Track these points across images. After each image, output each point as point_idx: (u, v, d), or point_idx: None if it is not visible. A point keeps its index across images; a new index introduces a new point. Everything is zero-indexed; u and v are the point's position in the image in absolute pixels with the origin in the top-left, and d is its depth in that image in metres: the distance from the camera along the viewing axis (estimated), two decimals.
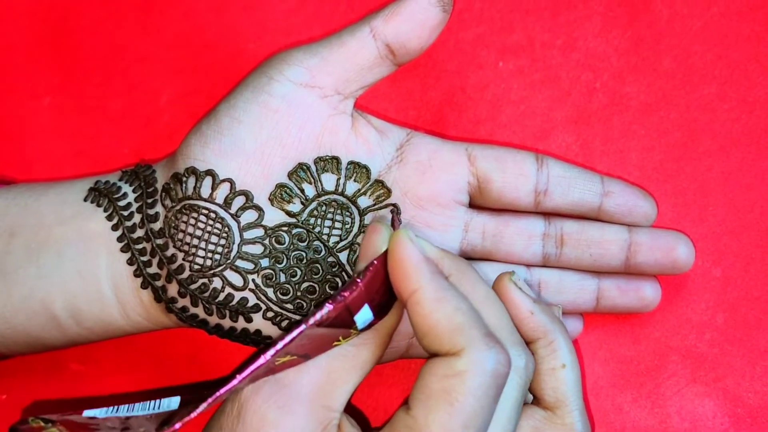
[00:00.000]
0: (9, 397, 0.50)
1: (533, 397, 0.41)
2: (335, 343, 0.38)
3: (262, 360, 0.35)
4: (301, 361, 0.37)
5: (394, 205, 0.44)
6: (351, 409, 0.42)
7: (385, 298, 0.38)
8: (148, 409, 0.39)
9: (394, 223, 0.42)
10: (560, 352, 0.40)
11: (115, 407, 0.39)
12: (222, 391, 0.36)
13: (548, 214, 0.46)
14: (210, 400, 0.36)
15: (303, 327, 0.35)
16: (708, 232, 0.48)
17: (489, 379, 0.34)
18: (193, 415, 0.36)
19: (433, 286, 0.36)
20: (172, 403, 0.39)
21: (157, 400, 0.39)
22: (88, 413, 0.38)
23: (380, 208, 0.44)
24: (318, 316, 0.35)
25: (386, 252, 0.37)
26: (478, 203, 0.46)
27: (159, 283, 0.43)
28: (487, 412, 0.35)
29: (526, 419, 0.40)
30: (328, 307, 0.35)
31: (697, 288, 0.48)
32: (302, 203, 0.43)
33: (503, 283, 0.41)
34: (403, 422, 0.35)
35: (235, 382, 0.36)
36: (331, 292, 0.43)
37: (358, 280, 0.36)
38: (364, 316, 0.37)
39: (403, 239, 0.37)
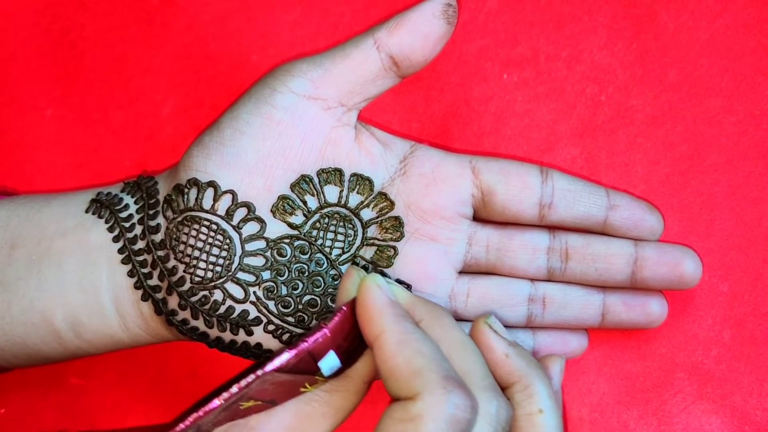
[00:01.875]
0: (8, 411, 0.50)
1: None
2: (302, 389, 0.38)
3: (215, 403, 0.35)
4: (268, 406, 0.37)
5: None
6: None
7: (355, 344, 0.38)
8: None
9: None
10: (537, 396, 0.39)
11: None
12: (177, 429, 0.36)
13: (553, 228, 0.46)
14: None
15: (259, 372, 0.35)
16: (715, 246, 0.48)
17: (444, 424, 0.34)
18: None
19: (396, 330, 0.36)
20: None
21: None
22: None
23: (383, 221, 0.44)
24: (277, 362, 0.35)
25: (355, 298, 0.38)
26: (482, 216, 0.45)
27: (159, 296, 0.43)
28: None
29: None
30: (288, 354, 0.35)
31: (704, 303, 0.48)
32: (305, 215, 0.43)
33: (478, 327, 0.41)
34: None
35: (188, 422, 0.35)
36: (332, 305, 0.43)
37: (324, 327, 0.36)
38: (330, 362, 0.37)
39: (371, 284, 0.37)
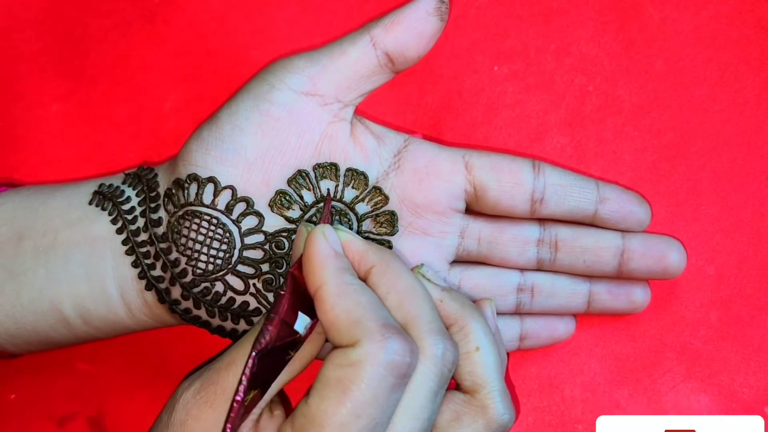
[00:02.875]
0: (17, 396, 0.51)
1: (455, 383, 0.41)
2: (287, 357, 0.38)
3: (237, 402, 0.35)
4: (260, 393, 0.38)
5: (328, 191, 0.44)
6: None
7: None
8: None
9: (326, 206, 0.42)
10: (473, 335, 0.40)
11: None
12: None
13: (543, 220, 0.46)
14: None
15: (254, 354, 0.35)
16: (701, 230, 0.49)
17: (383, 369, 0.34)
18: None
19: (335, 282, 0.37)
20: None
21: None
22: None
23: (378, 215, 0.44)
24: (262, 340, 0.35)
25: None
26: (474, 209, 0.46)
27: (163, 286, 0.43)
28: (383, 402, 0.35)
29: (447, 404, 0.39)
30: (267, 329, 0.36)
31: (691, 286, 0.49)
32: (301, 209, 0.43)
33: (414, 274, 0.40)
34: (300, 411, 0.35)
35: None
36: None
37: (282, 292, 0.37)
38: (303, 322, 0.37)
39: (315, 236, 0.38)
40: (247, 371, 0.35)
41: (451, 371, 0.38)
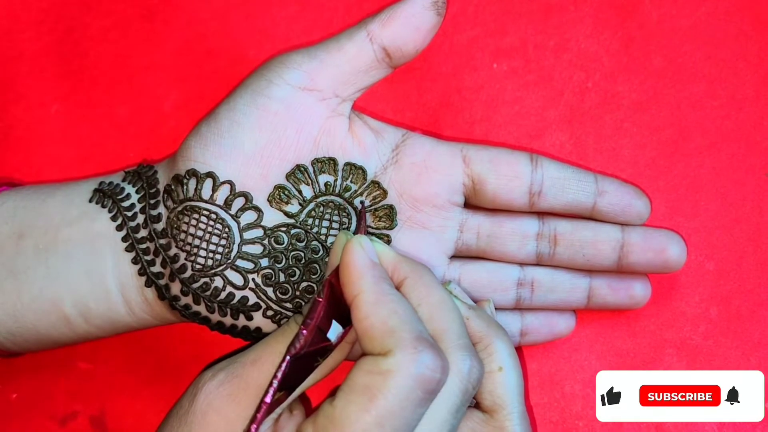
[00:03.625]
0: (19, 395, 0.51)
1: (475, 401, 0.41)
2: (315, 363, 0.38)
3: (265, 403, 0.36)
4: (286, 395, 0.38)
5: (362, 203, 0.44)
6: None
7: (349, 307, 0.38)
8: None
9: (361, 218, 0.43)
10: (496, 354, 0.40)
11: None
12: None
13: (542, 213, 0.46)
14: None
15: (288, 358, 0.36)
16: (700, 226, 0.49)
17: (412, 381, 0.34)
18: None
19: (373, 290, 0.37)
20: None
21: None
22: None
23: (377, 209, 0.44)
24: (297, 344, 0.36)
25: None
26: (473, 203, 0.46)
27: (162, 282, 0.43)
28: (408, 415, 0.35)
29: (465, 421, 0.40)
30: (302, 334, 0.36)
31: (691, 282, 0.49)
32: (300, 204, 0.44)
33: None
34: (324, 412, 0.35)
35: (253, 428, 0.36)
36: None
37: (319, 299, 0.37)
38: (335, 330, 0.38)
39: (353, 246, 0.38)
40: (279, 374, 0.36)
41: (476, 388, 0.38)
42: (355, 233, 0.41)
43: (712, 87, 0.50)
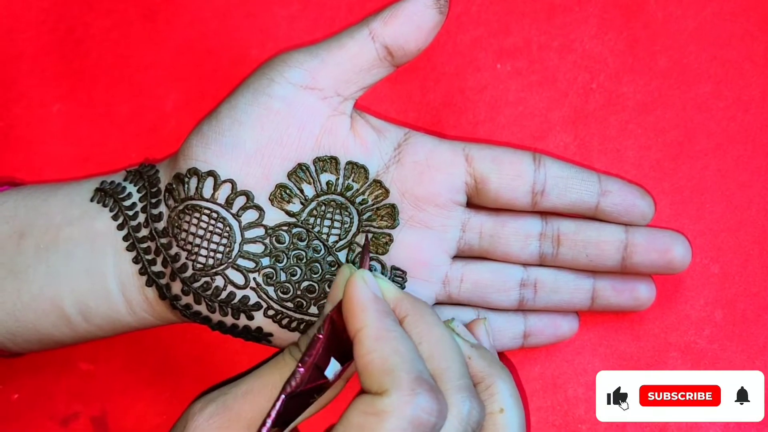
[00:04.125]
0: (20, 396, 0.51)
1: None
2: (311, 400, 0.38)
3: None
4: (279, 431, 0.38)
5: (366, 237, 0.44)
6: None
7: (350, 344, 0.38)
8: None
9: (365, 252, 0.42)
10: (498, 395, 0.39)
11: None
12: None
13: (545, 213, 0.46)
14: None
15: (283, 396, 0.35)
16: (705, 229, 0.49)
17: (407, 424, 0.34)
18: None
19: (376, 326, 0.36)
20: None
21: None
22: None
23: (379, 208, 0.44)
24: (293, 382, 0.36)
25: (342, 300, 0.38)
26: (475, 203, 0.46)
27: (163, 281, 0.43)
28: None
29: None
30: (299, 372, 0.36)
31: (696, 284, 0.48)
32: (302, 203, 0.43)
33: None
34: None
35: None
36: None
37: (319, 335, 0.37)
38: (333, 368, 0.37)
39: (357, 279, 0.38)
40: (274, 413, 0.35)
41: (475, 431, 0.37)
42: (359, 267, 0.40)
43: (718, 88, 0.49)
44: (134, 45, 0.53)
